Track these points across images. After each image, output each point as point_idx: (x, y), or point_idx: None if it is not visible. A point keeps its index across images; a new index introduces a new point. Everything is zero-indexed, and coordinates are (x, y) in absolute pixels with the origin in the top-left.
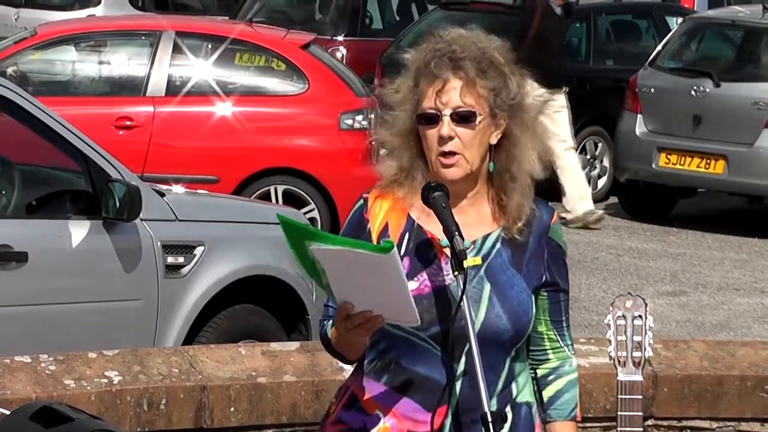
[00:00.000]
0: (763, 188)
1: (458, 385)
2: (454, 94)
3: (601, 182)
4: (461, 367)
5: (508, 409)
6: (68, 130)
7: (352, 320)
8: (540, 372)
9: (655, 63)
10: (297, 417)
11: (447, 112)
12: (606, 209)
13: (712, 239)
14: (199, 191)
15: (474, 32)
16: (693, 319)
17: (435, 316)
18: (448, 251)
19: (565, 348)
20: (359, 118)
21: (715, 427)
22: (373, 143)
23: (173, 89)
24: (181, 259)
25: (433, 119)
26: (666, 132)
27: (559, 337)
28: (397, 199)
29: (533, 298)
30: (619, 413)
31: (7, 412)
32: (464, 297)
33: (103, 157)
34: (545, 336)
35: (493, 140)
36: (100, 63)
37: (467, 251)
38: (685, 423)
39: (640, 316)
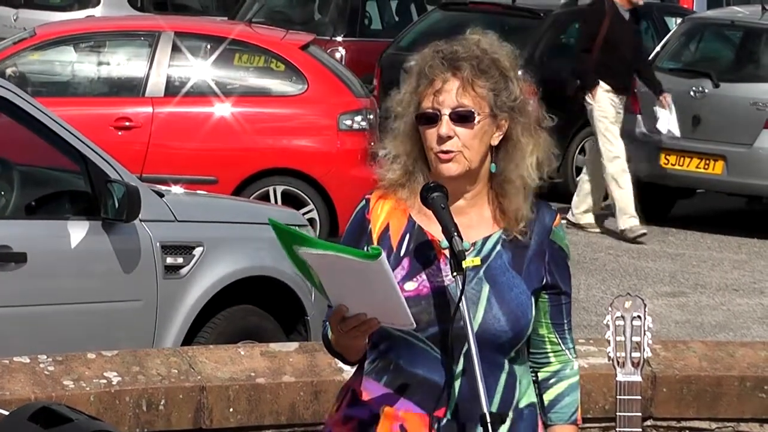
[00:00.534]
0: (762, 188)
1: (457, 386)
2: (452, 93)
3: None
4: (460, 368)
5: (510, 410)
6: (67, 130)
7: (347, 323)
8: (541, 375)
9: (654, 63)
10: (296, 417)
11: (446, 111)
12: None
13: (712, 240)
14: (198, 192)
15: (488, 36)
16: (692, 319)
17: (434, 317)
18: (447, 253)
19: (567, 351)
20: (358, 118)
21: (714, 427)
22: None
23: (172, 90)
24: (180, 260)
25: (433, 119)
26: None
27: (560, 340)
28: (399, 201)
29: (533, 300)
30: (618, 414)
31: (6, 413)
32: (462, 298)
33: (102, 157)
34: (546, 339)
35: (495, 141)
36: (99, 64)
37: (467, 253)
38: (684, 423)
39: (639, 317)
